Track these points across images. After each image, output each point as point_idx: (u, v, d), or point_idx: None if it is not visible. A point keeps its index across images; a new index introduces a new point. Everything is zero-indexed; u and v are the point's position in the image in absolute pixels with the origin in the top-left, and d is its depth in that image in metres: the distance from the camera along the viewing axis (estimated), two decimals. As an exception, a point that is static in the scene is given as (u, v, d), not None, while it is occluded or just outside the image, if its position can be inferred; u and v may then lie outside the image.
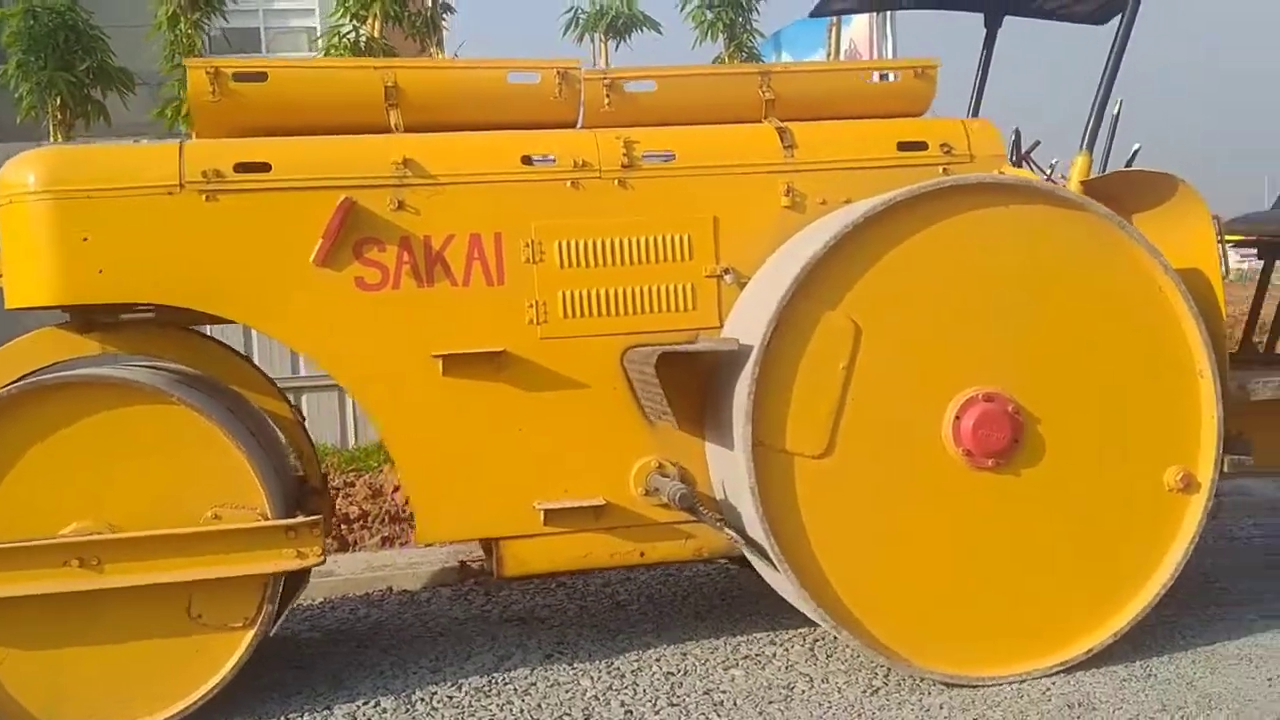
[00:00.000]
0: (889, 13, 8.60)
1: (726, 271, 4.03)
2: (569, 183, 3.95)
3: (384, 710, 3.75)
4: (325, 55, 7.73)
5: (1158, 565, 3.82)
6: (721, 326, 4.02)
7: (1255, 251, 4.71)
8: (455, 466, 3.88)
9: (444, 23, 7.86)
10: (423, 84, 4.08)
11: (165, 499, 3.58)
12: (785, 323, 3.57)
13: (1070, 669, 3.76)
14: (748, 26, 8.20)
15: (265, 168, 3.76)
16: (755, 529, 3.60)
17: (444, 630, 4.64)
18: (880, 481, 3.67)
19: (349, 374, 3.85)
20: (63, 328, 3.95)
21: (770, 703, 3.67)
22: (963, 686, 3.70)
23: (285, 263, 3.77)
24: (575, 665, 4.08)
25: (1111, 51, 4.23)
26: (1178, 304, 3.79)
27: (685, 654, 4.17)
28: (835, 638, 4.09)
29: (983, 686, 3.70)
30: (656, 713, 3.62)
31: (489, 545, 4.00)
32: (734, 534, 3.71)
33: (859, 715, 3.54)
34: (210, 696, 3.57)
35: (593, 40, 8.16)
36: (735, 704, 3.67)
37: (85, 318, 3.88)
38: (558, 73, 4.14)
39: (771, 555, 3.58)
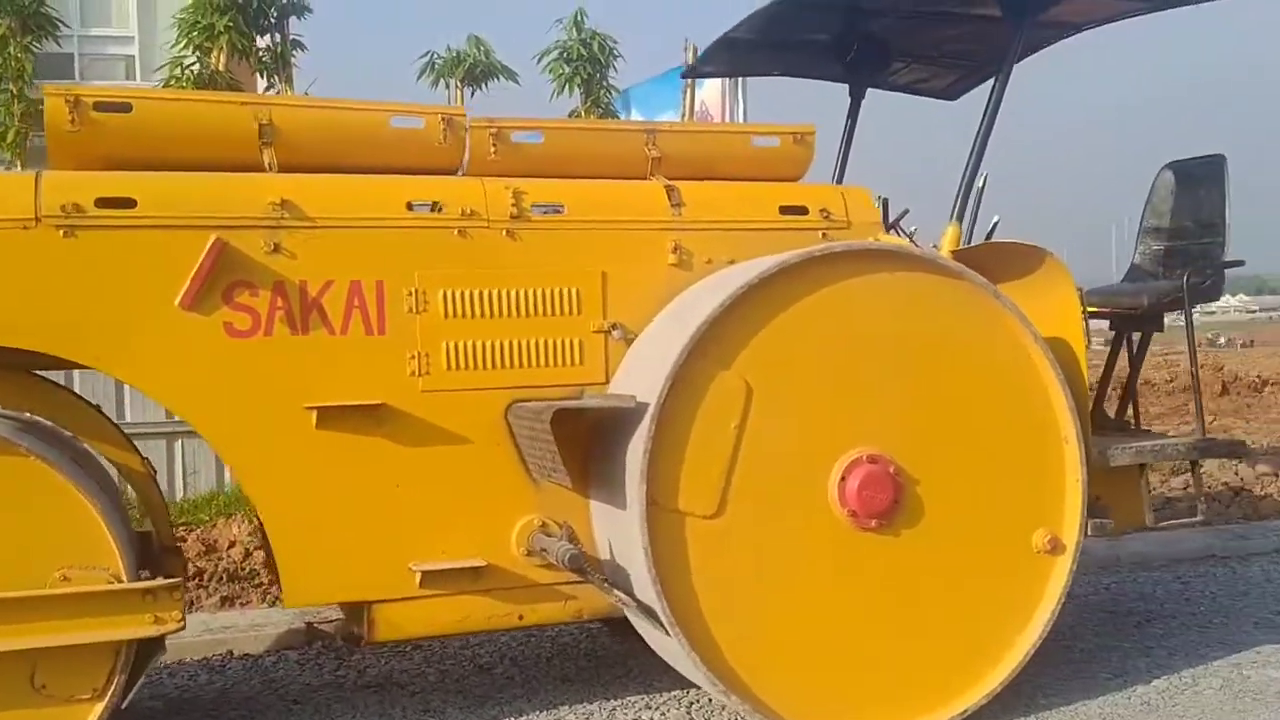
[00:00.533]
0: (743, 77, 8.81)
1: (614, 327, 3.97)
2: (456, 231, 3.84)
3: (244, 788, 3.49)
4: (165, 87, 7.37)
5: (1026, 625, 3.92)
6: (608, 382, 3.96)
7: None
8: (326, 525, 3.67)
9: (294, 60, 7.63)
10: (299, 123, 3.90)
11: (8, 559, 3.27)
12: (680, 381, 3.54)
13: (947, 730, 3.81)
14: (604, 82, 8.25)
15: (130, 203, 3.52)
16: (646, 591, 3.53)
17: (297, 698, 4.38)
18: (769, 542, 3.66)
19: (213, 425, 3.60)
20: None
21: (655, 770, 3.59)
22: (845, 749, 3.70)
23: (148, 305, 3.52)
24: (447, 734, 3.91)
25: (981, 126, 4.40)
26: (1045, 372, 3.93)
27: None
28: (711, 701, 4.06)
29: (864, 749, 3.71)
30: (539, 784, 3.49)
31: (357, 608, 3.79)
32: (622, 596, 3.63)
33: (747, 781, 3.49)
34: (51, 777, 3.26)
35: (448, 87, 8.06)
36: (620, 772, 3.57)
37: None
38: (443, 119, 4.03)
39: (662, 618, 3.51)
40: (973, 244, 4.55)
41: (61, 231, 3.44)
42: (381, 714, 4.15)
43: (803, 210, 4.29)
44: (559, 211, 3.99)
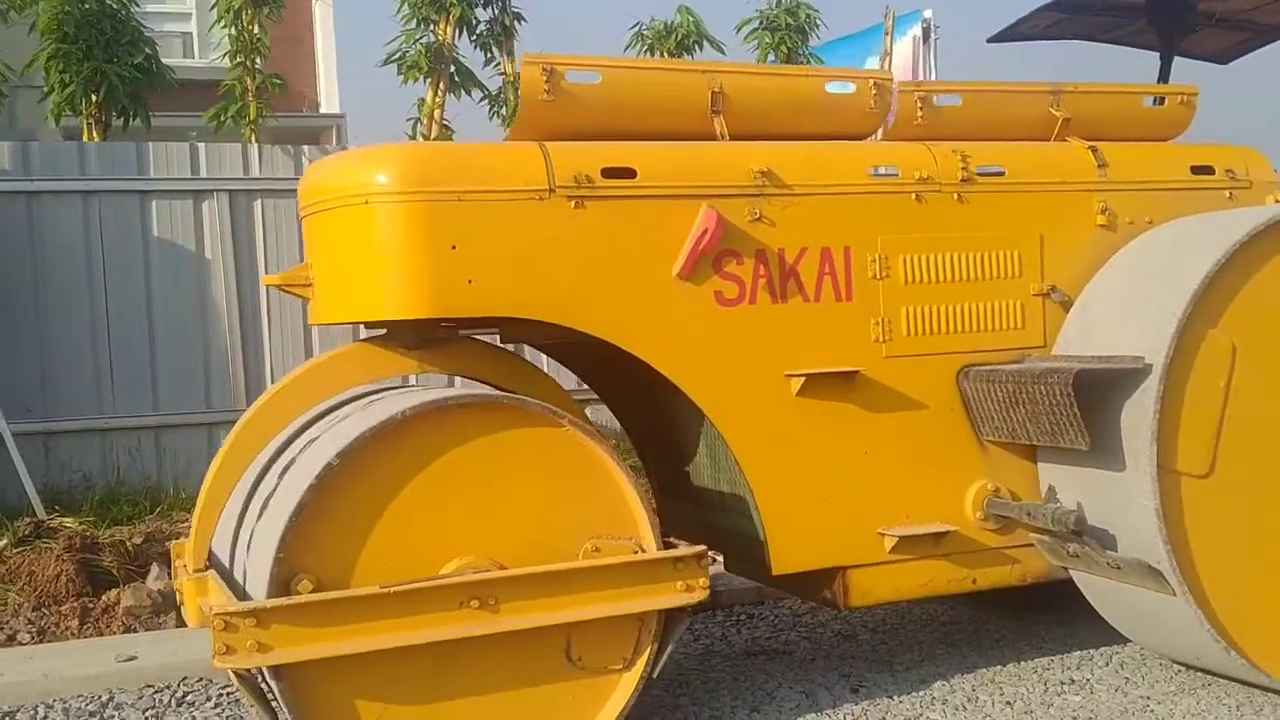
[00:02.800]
0: (935, 41, 8.80)
1: (1052, 290, 3.97)
2: (913, 196, 3.83)
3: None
4: (390, 61, 7.30)
5: None
6: (1045, 346, 3.96)
7: None
8: (809, 492, 3.68)
9: (515, 32, 7.56)
10: (746, 90, 3.87)
11: (546, 531, 3.26)
12: (1180, 340, 3.53)
13: None
14: (804, 50, 8.21)
15: (630, 173, 3.50)
16: (1154, 552, 3.53)
17: (704, 667, 4.39)
18: (1255, 500, 3.66)
19: (706, 393, 3.58)
20: (376, 343, 3.58)
21: (1150, 729, 3.59)
22: (1324, 705, 3.71)
23: (648, 275, 3.51)
24: (901, 697, 3.91)
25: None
26: None
27: (993, 680, 4.06)
28: (1144, 660, 4.09)
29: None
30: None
31: (828, 574, 3.77)
32: (1116, 557, 3.63)
33: (1254, 738, 3.50)
34: (599, 748, 3.26)
35: (654, 56, 8.00)
36: (1118, 732, 3.58)
37: (409, 333, 3.52)
38: (873, 83, 4.00)
39: (1171, 579, 3.51)
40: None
41: (573, 202, 3.42)
42: (803, 679, 4.16)
43: (1210, 170, 4.28)
44: (1000, 175, 3.97)
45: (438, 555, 3.15)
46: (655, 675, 3.41)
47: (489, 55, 7.65)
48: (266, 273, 6.86)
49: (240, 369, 6.83)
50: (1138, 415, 3.53)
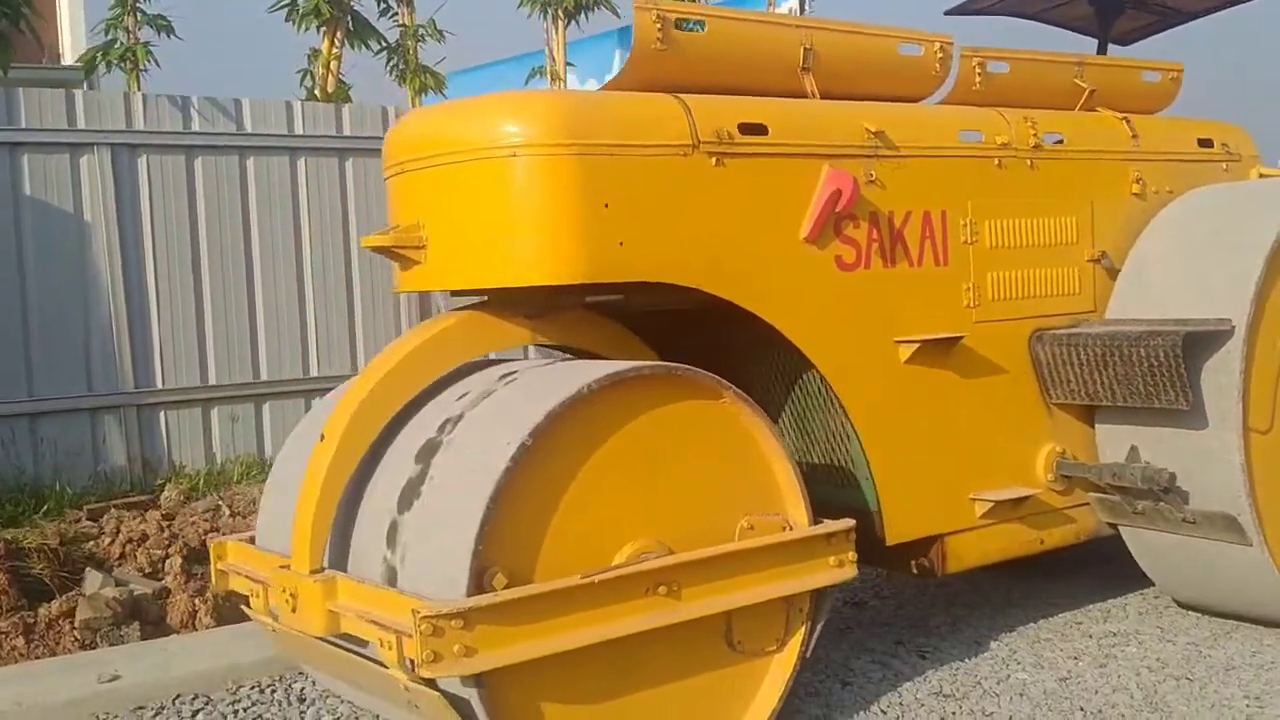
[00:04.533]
0: (809, 13, 8.92)
1: (1103, 256, 4.10)
2: (996, 161, 3.84)
3: None
4: (280, 7, 6.62)
5: None
6: (1094, 310, 4.09)
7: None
8: (917, 459, 3.64)
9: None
10: (833, 47, 3.76)
11: (705, 508, 3.06)
12: (1257, 303, 3.71)
13: None
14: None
15: (763, 130, 3.33)
16: (1237, 504, 3.70)
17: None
18: (1300, 453, 3.91)
19: (827, 359, 3.46)
20: (486, 311, 3.25)
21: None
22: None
23: (778, 237, 3.36)
24: (973, 660, 3.96)
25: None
26: None
27: (1040, 638, 4.17)
28: (1153, 610, 4.31)
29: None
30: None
31: (925, 542, 3.75)
32: (1191, 512, 3.78)
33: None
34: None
35: (545, 17, 7.67)
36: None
37: (530, 301, 3.22)
38: (939, 46, 3.98)
39: (1249, 530, 3.70)
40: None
41: (714, 159, 3.22)
42: (863, 649, 4.14)
43: (1210, 144, 4.53)
44: (1061, 142, 4.05)
45: (611, 540, 2.90)
46: (809, 655, 3.29)
47: (383, 5, 7.12)
48: (151, 237, 6.14)
49: (126, 346, 6.08)
50: (1223, 374, 3.69)
